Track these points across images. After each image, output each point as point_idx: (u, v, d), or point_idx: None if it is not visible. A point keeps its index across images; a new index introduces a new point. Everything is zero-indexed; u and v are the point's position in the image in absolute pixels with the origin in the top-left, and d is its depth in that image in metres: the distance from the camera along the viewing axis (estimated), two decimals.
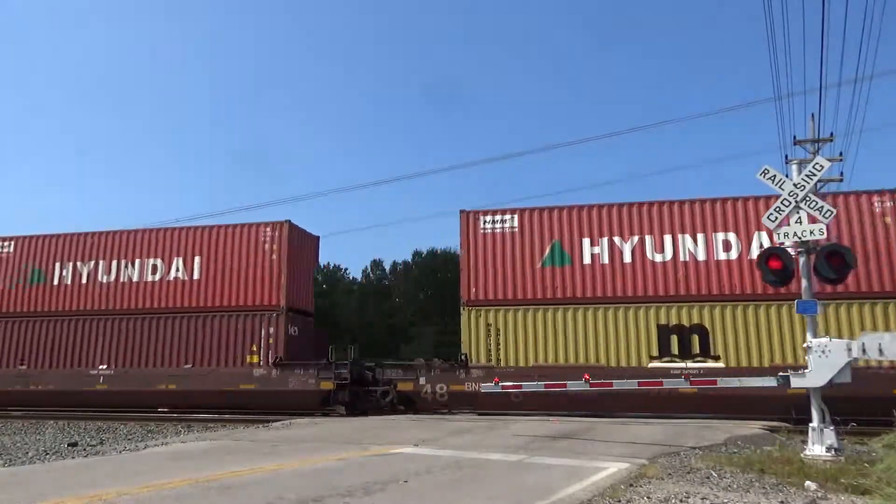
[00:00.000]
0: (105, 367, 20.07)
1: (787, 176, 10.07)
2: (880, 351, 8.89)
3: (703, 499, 6.28)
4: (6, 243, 22.10)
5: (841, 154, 24.67)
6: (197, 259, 20.29)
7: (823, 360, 9.12)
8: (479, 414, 16.87)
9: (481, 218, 18.59)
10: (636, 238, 17.67)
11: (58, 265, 21.41)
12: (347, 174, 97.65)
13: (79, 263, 21.24)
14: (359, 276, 52.15)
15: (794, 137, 24.25)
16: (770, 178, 10.04)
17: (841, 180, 24.64)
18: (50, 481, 7.14)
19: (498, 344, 17.69)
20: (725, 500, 6.25)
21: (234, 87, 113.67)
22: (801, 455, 8.73)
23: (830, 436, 8.85)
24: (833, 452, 8.66)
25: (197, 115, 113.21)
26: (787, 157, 24.01)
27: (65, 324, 20.78)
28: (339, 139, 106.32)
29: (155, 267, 20.64)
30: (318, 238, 22.17)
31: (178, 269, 20.44)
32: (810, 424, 9.12)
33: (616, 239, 17.79)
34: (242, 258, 19.98)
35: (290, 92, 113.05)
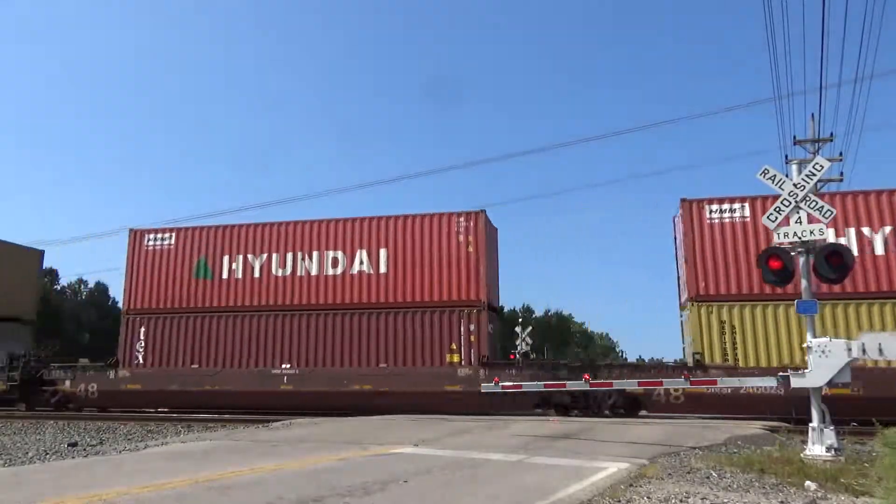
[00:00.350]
0: (288, 366, 18.80)
1: (787, 176, 10.08)
2: (880, 351, 8.89)
3: (703, 499, 6.28)
4: (166, 235, 20.75)
5: (841, 154, 24.72)
6: (383, 251, 19.02)
7: (823, 360, 9.12)
8: (698, 418, 15.88)
9: (706, 207, 17.28)
10: (887, 228, 16.46)
11: (226, 258, 20.06)
12: (346, 174, 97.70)
13: (250, 256, 19.91)
14: None
15: (794, 137, 24.32)
16: (770, 178, 10.04)
17: (841, 180, 24.69)
18: (50, 481, 7.13)
19: (734, 343, 16.44)
20: (725, 500, 6.24)
21: (235, 88, 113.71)
22: (801, 455, 8.73)
23: (830, 436, 8.85)
24: (833, 452, 8.66)
25: (198, 115, 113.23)
26: (787, 157, 24.05)
27: (238, 320, 19.43)
28: (336, 140, 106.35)
29: (336, 260, 19.34)
30: (496, 229, 20.75)
31: (361, 262, 19.12)
32: (810, 424, 9.12)
33: (865, 230, 16.56)
34: (434, 250, 18.69)
35: (289, 93, 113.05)
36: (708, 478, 7.48)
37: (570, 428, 13.13)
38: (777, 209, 9.90)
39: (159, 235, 20.81)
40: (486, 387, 12.97)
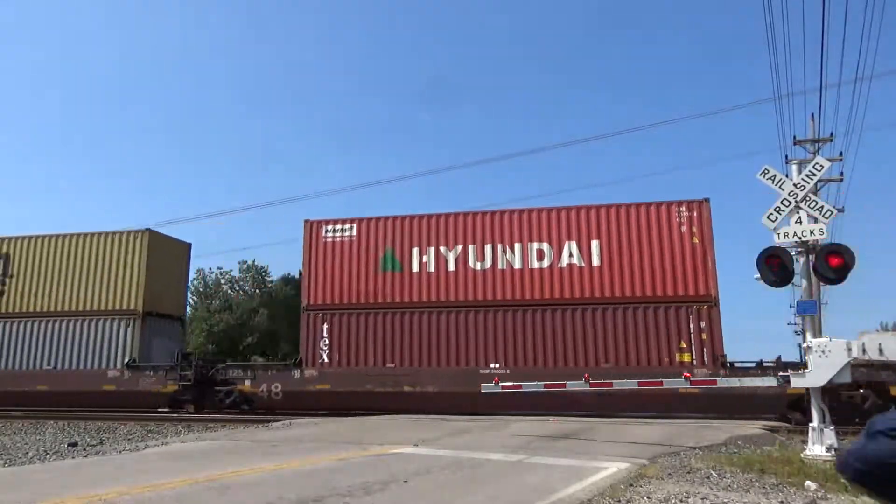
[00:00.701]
0: (497, 365, 17.51)
1: (787, 176, 10.09)
2: (880, 351, 8.90)
3: (703, 499, 6.28)
4: (346, 226, 19.42)
5: (841, 154, 24.70)
6: (595, 243, 17.69)
7: (823, 359, 9.12)
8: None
9: None
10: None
11: (416, 250, 18.75)
12: (346, 174, 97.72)
13: (442, 248, 18.58)
14: None
15: (794, 137, 24.29)
16: (770, 178, 10.05)
17: (841, 180, 24.70)
18: (50, 481, 7.14)
19: None
20: (725, 500, 6.25)
21: (235, 88, 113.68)
22: (801, 455, 8.73)
23: (830, 436, 8.86)
24: (833, 452, 8.67)
25: (195, 115, 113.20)
26: (787, 157, 24.02)
27: (433, 316, 18.20)
28: (335, 140, 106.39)
29: (541, 252, 17.99)
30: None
31: (571, 255, 17.80)
32: (810, 424, 9.13)
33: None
34: (654, 242, 17.37)
35: (288, 93, 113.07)
36: (708, 478, 7.48)
37: (570, 428, 13.13)
38: (777, 209, 9.91)
39: (339, 226, 19.50)
40: (485, 387, 12.96)
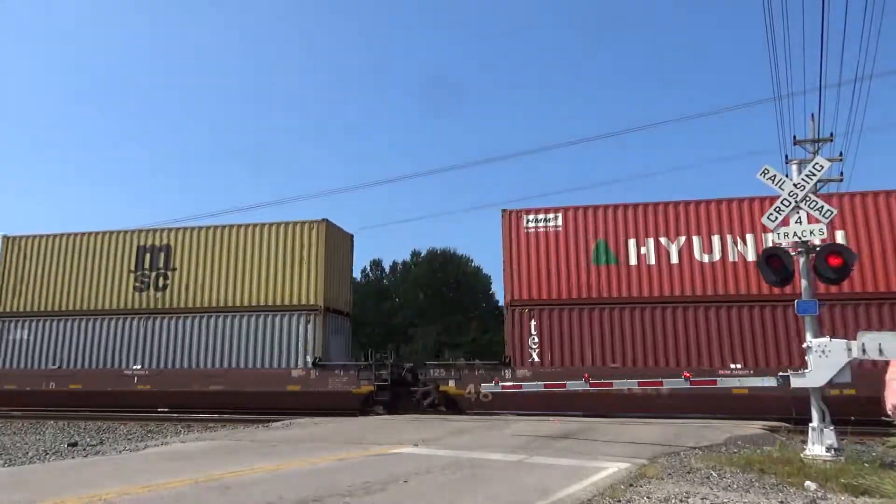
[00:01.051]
0: (738, 366, 16.36)
1: (787, 176, 10.09)
2: (880, 351, 8.89)
3: (703, 499, 6.28)
4: (550, 215, 18.40)
5: (841, 154, 24.71)
6: (839, 234, 16.49)
7: (823, 359, 9.12)
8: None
9: None
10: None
11: (632, 242, 17.72)
12: (347, 174, 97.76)
13: (663, 239, 17.56)
14: (358, 276, 52.33)
15: (794, 137, 24.28)
16: (770, 178, 10.04)
17: (841, 180, 24.68)
18: (50, 481, 7.14)
19: None
20: (725, 500, 6.25)
21: (234, 87, 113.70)
22: (801, 455, 8.73)
23: (830, 436, 8.85)
24: (833, 452, 8.67)
25: (193, 115, 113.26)
26: (787, 157, 24.04)
27: (656, 312, 17.17)
28: (336, 139, 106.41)
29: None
30: None
31: None
32: (810, 424, 9.12)
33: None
34: (885, 233, 16.28)
35: (287, 92, 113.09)
36: (708, 478, 7.49)
37: (570, 428, 13.13)
38: (777, 209, 9.91)
39: (542, 216, 18.53)
40: (486, 387, 12.95)
